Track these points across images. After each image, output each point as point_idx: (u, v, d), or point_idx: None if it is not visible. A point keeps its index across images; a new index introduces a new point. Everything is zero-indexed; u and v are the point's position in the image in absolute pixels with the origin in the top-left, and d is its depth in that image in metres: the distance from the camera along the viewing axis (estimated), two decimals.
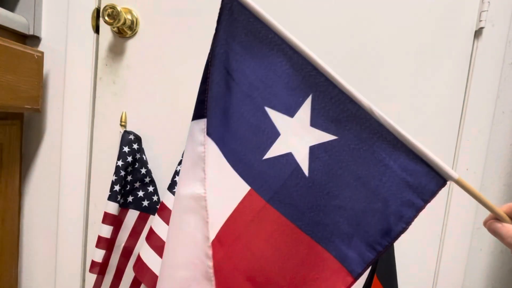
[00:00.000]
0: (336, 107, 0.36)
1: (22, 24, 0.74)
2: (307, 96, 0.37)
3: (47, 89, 0.79)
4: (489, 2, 0.69)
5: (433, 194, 0.34)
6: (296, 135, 0.38)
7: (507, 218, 0.33)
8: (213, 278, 0.38)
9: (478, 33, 0.71)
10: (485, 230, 0.79)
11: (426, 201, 0.34)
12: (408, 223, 0.35)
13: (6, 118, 0.75)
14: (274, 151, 0.39)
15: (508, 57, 0.73)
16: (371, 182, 0.34)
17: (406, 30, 0.72)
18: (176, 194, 0.43)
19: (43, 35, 0.77)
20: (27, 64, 0.70)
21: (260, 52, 0.38)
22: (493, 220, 0.34)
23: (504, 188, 0.77)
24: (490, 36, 0.71)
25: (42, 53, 0.73)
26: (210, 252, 0.39)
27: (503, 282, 0.79)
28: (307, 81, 0.37)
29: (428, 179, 0.33)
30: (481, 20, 0.70)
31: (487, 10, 0.70)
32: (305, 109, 0.37)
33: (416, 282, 0.78)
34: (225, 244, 0.38)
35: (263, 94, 0.38)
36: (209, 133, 0.40)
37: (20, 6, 0.75)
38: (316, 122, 0.37)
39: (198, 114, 0.43)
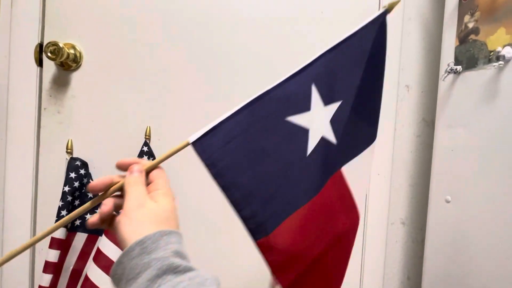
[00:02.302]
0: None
1: None
2: (311, 87, 0.47)
3: None
4: None
5: None
6: (319, 121, 0.48)
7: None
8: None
9: None
10: (399, 225, 0.93)
11: None
12: None
13: None
14: (311, 145, 0.48)
15: (402, 80, 0.90)
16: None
17: None
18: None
19: None
20: None
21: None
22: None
23: (410, 188, 0.93)
24: (387, 65, 0.87)
25: None
26: None
27: (416, 269, 0.94)
28: (306, 77, 0.46)
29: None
30: None
31: None
32: (315, 97, 0.47)
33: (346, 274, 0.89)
34: None
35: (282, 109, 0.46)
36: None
37: None
38: (326, 100, 0.48)
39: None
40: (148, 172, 0.41)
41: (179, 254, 0.33)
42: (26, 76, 0.80)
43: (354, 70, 0.52)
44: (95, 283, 0.68)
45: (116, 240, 0.70)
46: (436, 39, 0.88)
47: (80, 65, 0.82)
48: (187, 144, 0.40)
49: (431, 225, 0.76)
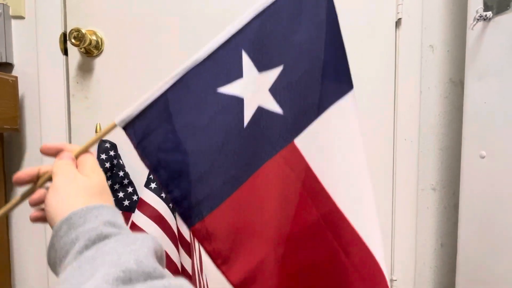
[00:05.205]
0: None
1: None
2: (241, 53, 0.42)
3: (24, 110, 0.85)
4: None
5: None
6: (254, 88, 0.43)
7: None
8: None
9: (398, 23, 0.84)
10: (429, 191, 0.91)
11: None
12: None
13: None
14: (248, 116, 0.43)
15: (425, 40, 0.86)
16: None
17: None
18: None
19: (15, 61, 0.84)
20: (3, 88, 0.76)
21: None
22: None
23: (439, 152, 0.90)
24: (408, 25, 0.84)
25: (16, 77, 0.80)
26: None
27: (449, 235, 0.91)
28: (234, 44, 0.42)
29: None
30: (398, 12, 0.83)
31: (402, 4, 0.83)
32: (247, 63, 0.42)
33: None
34: None
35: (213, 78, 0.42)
36: None
37: None
38: (260, 66, 0.43)
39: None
40: (77, 157, 0.39)
41: (112, 223, 0.30)
42: (53, 65, 0.84)
43: (295, 29, 0.45)
44: None
45: (148, 211, 0.73)
46: None
47: (102, 50, 0.84)
48: (114, 126, 0.40)
49: (465, 187, 0.73)
